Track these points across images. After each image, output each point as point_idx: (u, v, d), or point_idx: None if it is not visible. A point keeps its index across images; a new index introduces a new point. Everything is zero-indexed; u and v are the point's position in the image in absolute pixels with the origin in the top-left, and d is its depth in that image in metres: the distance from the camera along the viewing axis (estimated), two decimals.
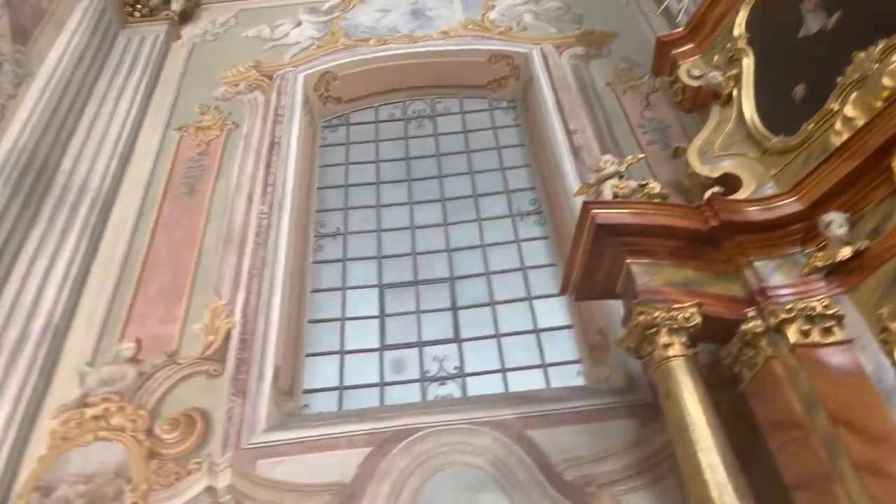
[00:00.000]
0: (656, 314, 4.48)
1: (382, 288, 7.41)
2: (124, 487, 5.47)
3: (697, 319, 4.50)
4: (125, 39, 9.66)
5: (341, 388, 6.59)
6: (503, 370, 6.55)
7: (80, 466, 5.64)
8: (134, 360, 6.37)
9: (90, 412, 5.97)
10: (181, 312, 6.73)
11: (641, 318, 4.51)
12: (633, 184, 5.23)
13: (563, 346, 6.69)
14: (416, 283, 7.42)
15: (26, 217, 7.14)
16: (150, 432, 5.81)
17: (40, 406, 6.06)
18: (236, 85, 9.14)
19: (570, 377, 6.35)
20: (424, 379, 6.56)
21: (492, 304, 7.12)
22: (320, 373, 6.75)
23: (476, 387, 6.45)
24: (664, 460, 5.14)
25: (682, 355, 4.43)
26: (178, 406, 6.01)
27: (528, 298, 7.10)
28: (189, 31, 10.21)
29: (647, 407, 5.49)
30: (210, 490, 5.29)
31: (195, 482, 5.39)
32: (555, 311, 6.94)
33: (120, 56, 9.31)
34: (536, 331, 6.80)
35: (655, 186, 5.22)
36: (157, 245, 7.38)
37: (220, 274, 6.98)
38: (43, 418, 6.00)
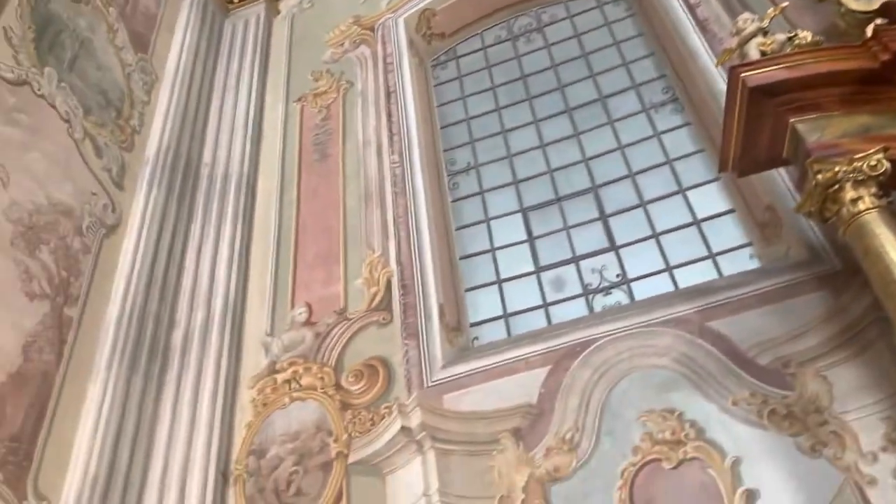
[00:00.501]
0: (837, 169, 4.07)
1: (525, 212, 7.28)
2: (327, 440, 5.81)
3: (885, 165, 4.05)
4: (230, 27, 9.97)
5: (506, 316, 6.59)
6: (668, 268, 6.28)
7: (284, 427, 6.04)
8: (308, 323, 6.70)
9: (281, 377, 6.37)
10: (340, 272, 6.98)
11: (820, 176, 4.11)
12: (780, 37, 4.74)
13: (727, 233, 6.30)
14: (558, 200, 7.24)
15: (184, 213, 7.62)
16: (338, 386, 6.12)
17: (237, 379, 6.53)
18: (341, 45, 9.20)
19: (743, 262, 5.97)
20: (588, 292, 6.43)
21: (642, 204, 6.81)
22: (483, 305, 6.78)
23: (643, 291, 6.24)
24: (868, 326, 4.74)
25: (875, 207, 4.01)
26: (358, 358, 6.27)
27: (681, 191, 6.72)
28: (286, 4, 10.36)
29: (837, 276, 5.07)
30: (405, 430, 5.49)
31: (389, 425, 5.61)
32: (712, 199, 6.53)
33: (229, 43, 9.63)
34: (697, 222, 6.44)
35: (806, 35, 4.70)
36: (304, 214, 7.66)
37: (367, 229, 7.15)
38: (242, 390, 6.47)
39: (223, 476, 5.86)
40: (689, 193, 6.68)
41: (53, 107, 6.55)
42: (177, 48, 8.72)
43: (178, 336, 6.67)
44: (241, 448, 6.05)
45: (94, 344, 6.10)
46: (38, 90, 6.43)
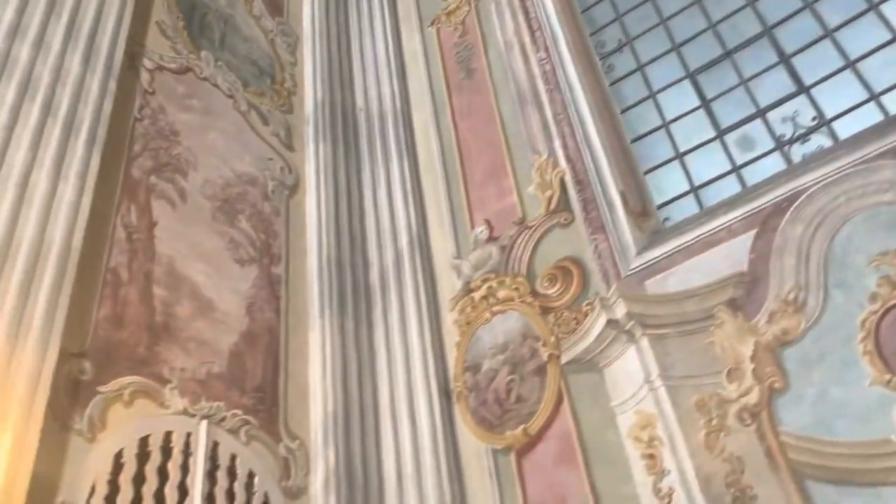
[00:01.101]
0: None
1: (693, 76, 6.74)
2: (535, 345, 5.87)
3: None
4: None
5: (695, 190, 6.21)
6: (874, 96, 5.56)
7: (491, 341, 6.18)
8: (491, 239, 6.74)
9: (478, 295, 6.48)
10: (511, 182, 6.92)
11: None
12: None
13: None
14: (727, 54, 6.61)
15: (352, 160, 7.86)
16: (534, 293, 6.12)
17: (437, 305, 6.74)
18: None
19: None
20: (783, 144, 5.87)
21: (828, 33, 6.04)
22: (666, 184, 6.43)
23: (847, 128, 5.58)
24: None
25: None
26: (548, 262, 6.22)
27: (873, 6, 5.87)
28: None
29: None
30: (612, 322, 5.39)
31: (594, 321, 5.53)
32: None
33: None
34: None
35: None
36: (463, 135, 7.63)
37: (529, 133, 6.99)
38: (443, 314, 6.68)
39: (446, 395, 6.14)
40: (884, 6, 5.82)
41: (217, 86, 6.94)
42: (308, 4, 8.87)
43: (374, 276, 6.98)
44: (455, 367, 6.29)
45: (303, 296, 6.54)
46: (201, 74, 6.84)
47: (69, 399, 4.38)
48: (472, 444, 5.83)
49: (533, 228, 6.50)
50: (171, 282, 5.46)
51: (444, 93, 8.05)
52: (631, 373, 5.17)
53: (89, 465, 4.28)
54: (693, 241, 5.43)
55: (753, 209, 5.23)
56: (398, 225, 7.24)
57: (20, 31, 5.06)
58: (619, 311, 5.37)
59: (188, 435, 4.92)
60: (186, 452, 4.85)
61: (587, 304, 5.70)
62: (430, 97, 8.11)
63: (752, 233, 5.19)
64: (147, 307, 5.19)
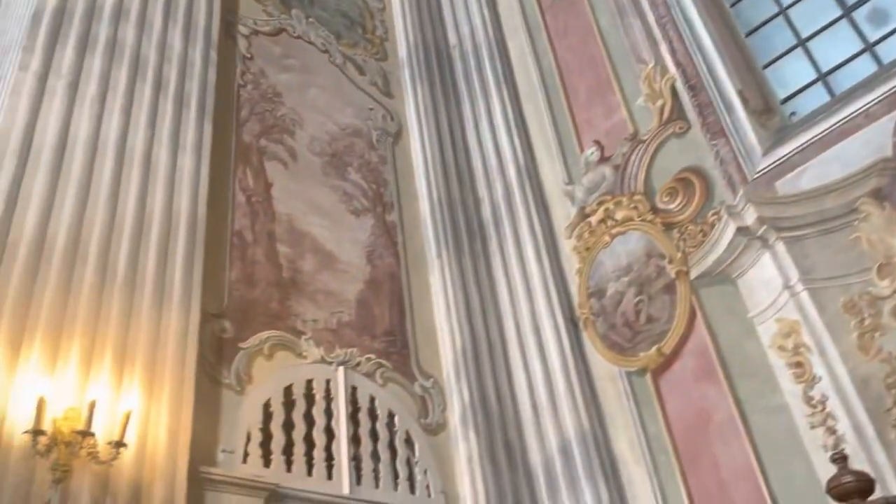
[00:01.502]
0: None
1: None
2: (661, 263, 5.64)
3: None
4: None
5: (823, 77, 5.68)
6: None
7: (613, 264, 6.01)
8: (603, 160, 6.49)
9: (594, 219, 6.29)
10: (618, 97, 6.60)
11: None
12: None
13: None
14: None
15: (451, 98, 7.75)
16: (654, 210, 5.87)
17: (553, 234, 6.61)
18: None
19: None
20: None
21: None
22: (789, 75, 5.92)
23: None
24: None
25: None
26: (666, 176, 5.93)
27: None
28: None
29: None
30: (742, 230, 5.08)
31: (722, 231, 5.23)
32: None
33: None
34: None
35: None
36: (562, 55, 7.33)
37: (632, 43, 6.61)
38: (560, 242, 6.55)
39: (572, 323, 6.06)
40: None
41: (311, 43, 7.01)
42: None
43: (486, 212, 6.93)
44: (579, 294, 6.18)
45: (419, 239, 6.60)
46: (294, 32, 6.91)
47: (215, 356, 4.66)
48: (605, 368, 5.75)
49: (646, 143, 6.19)
50: (292, 239, 5.65)
51: (537, 16, 7.75)
52: (767, 280, 4.87)
53: (242, 415, 4.56)
54: (826, 132, 4.99)
55: (893, 88, 4.71)
56: (505, 158, 7.12)
57: (122, 13, 5.26)
58: (749, 217, 5.05)
59: (328, 381, 5.13)
60: (328, 398, 5.07)
61: (713, 215, 5.40)
62: (522, 23, 7.83)
63: (894, 114, 4.69)
64: (274, 265, 5.41)
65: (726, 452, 4.80)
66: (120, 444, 3.50)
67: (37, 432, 3.28)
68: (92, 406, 3.45)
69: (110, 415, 3.62)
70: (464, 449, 5.44)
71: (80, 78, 4.68)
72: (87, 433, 3.37)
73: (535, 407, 5.68)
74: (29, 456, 3.32)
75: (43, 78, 4.50)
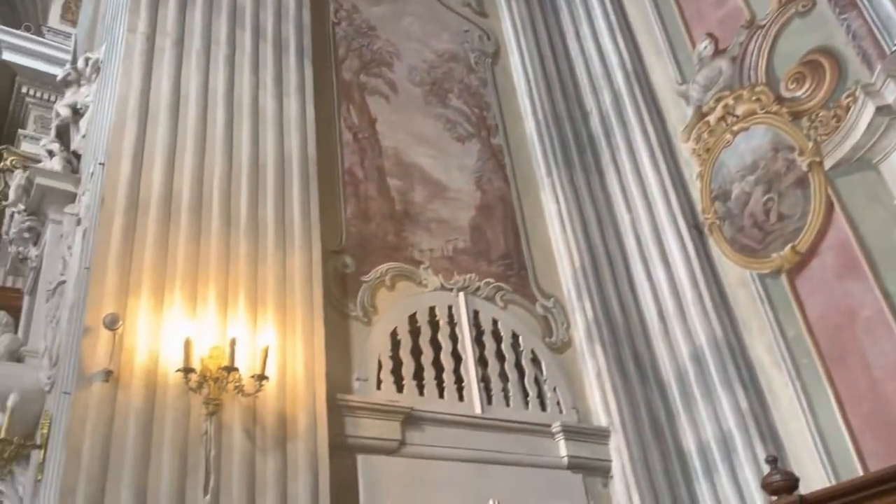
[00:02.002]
0: None
1: None
2: (791, 156, 5.24)
3: None
4: None
5: None
6: None
7: (737, 163, 5.64)
8: (717, 52, 6.04)
9: (713, 118, 5.91)
10: None
11: None
12: None
13: None
14: None
15: (548, 9, 7.43)
16: (780, 100, 5.42)
17: (668, 138, 6.29)
18: None
19: None
20: None
21: None
22: None
23: None
24: None
25: None
26: (791, 61, 5.44)
27: None
28: None
29: None
30: (882, 110, 4.60)
31: (859, 113, 4.76)
32: None
33: None
34: None
35: None
36: None
37: None
38: (677, 146, 6.22)
39: (696, 230, 5.80)
40: None
41: None
42: None
43: (595, 123, 6.68)
44: (702, 199, 5.88)
45: (527, 159, 6.47)
46: None
47: (340, 291, 4.81)
48: (735, 273, 5.49)
49: (765, 27, 5.69)
50: (401, 171, 5.68)
51: None
52: None
53: (371, 344, 4.72)
54: None
55: None
56: (610, 64, 6.78)
57: None
58: (890, 94, 4.56)
59: (449, 307, 5.21)
60: (451, 323, 5.15)
61: (847, 97, 4.93)
62: None
63: None
64: (386, 199, 5.47)
65: (876, 350, 4.50)
66: (262, 378, 3.71)
67: (187, 370, 3.53)
68: (233, 343, 3.66)
69: (250, 351, 3.84)
70: (591, 365, 5.41)
71: (185, 33, 4.82)
72: (231, 368, 3.59)
73: (662, 318, 5.54)
74: (183, 392, 3.59)
75: (151, 38, 4.67)
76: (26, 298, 5.25)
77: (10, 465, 3.72)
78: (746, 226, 5.47)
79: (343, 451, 4.14)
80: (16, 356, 4.42)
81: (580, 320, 5.60)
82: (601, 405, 5.26)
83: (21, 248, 5.23)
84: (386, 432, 4.36)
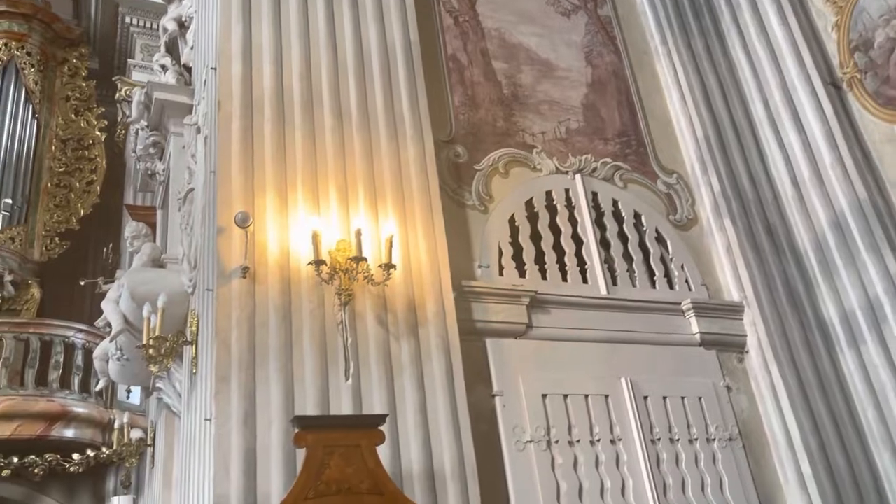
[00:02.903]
0: None
1: None
2: None
3: None
4: None
5: None
6: None
7: (880, 6, 5.08)
8: None
9: None
10: None
11: None
12: None
13: None
14: None
15: None
16: None
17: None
18: None
19: None
20: None
21: None
22: None
23: None
24: None
25: None
26: None
27: None
28: None
29: None
30: None
31: None
32: None
33: None
34: None
35: None
36: None
37: None
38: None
39: (833, 86, 5.30)
40: None
41: None
42: None
43: None
44: (839, 52, 5.35)
45: (639, 29, 6.07)
46: None
47: (455, 181, 4.76)
48: (881, 129, 5.01)
49: None
50: (506, 53, 5.45)
51: None
52: None
53: (490, 232, 4.68)
54: None
55: None
56: None
57: None
58: None
59: (566, 191, 5.06)
60: (570, 206, 5.02)
61: None
62: None
63: None
64: (493, 83, 5.29)
65: None
66: (389, 266, 3.76)
67: (318, 262, 3.61)
68: (358, 234, 3.70)
69: (374, 242, 3.89)
70: (720, 240, 5.18)
71: None
72: (359, 258, 3.65)
73: (796, 185, 5.19)
74: (316, 284, 3.69)
75: None
76: (159, 213, 5.53)
77: (166, 359, 4.01)
78: (893, 76, 4.94)
79: (472, 336, 4.19)
80: (158, 263, 4.69)
81: (706, 195, 5.33)
82: (733, 280, 5.06)
83: (148, 164, 5.46)
84: (512, 316, 4.37)
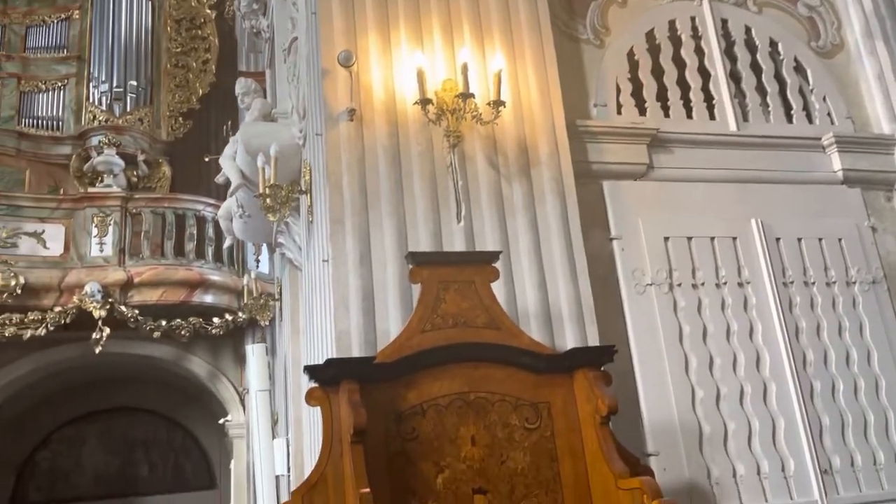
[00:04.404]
0: None
1: None
2: None
3: None
4: None
5: None
6: None
7: None
8: None
9: None
10: None
11: None
12: None
13: None
14: None
15: None
16: None
17: None
18: None
19: None
20: None
21: None
22: None
23: None
24: None
25: None
26: None
27: None
28: None
29: None
30: None
31: None
32: None
33: None
34: None
35: None
36: None
37: None
38: None
39: None
40: None
41: None
42: None
43: None
44: None
45: None
46: None
47: (567, 14, 4.40)
48: None
49: None
50: None
51: None
52: None
53: (606, 67, 4.34)
54: None
55: None
56: None
57: None
58: None
59: (692, 19, 4.59)
60: (696, 37, 4.56)
61: None
62: None
63: None
64: None
65: None
66: (498, 103, 3.56)
67: (424, 101, 3.47)
68: (465, 69, 3.51)
69: (482, 79, 3.69)
70: (871, 66, 4.62)
71: None
72: (467, 94, 3.47)
73: None
74: (424, 126, 3.57)
75: None
76: (268, 72, 5.53)
77: (283, 208, 4.08)
78: None
79: (588, 178, 3.98)
80: (269, 118, 4.72)
81: (855, 15, 4.70)
82: (884, 111, 4.53)
83: (253, 22, 5.41)
84: (631, 156, 4.11)
